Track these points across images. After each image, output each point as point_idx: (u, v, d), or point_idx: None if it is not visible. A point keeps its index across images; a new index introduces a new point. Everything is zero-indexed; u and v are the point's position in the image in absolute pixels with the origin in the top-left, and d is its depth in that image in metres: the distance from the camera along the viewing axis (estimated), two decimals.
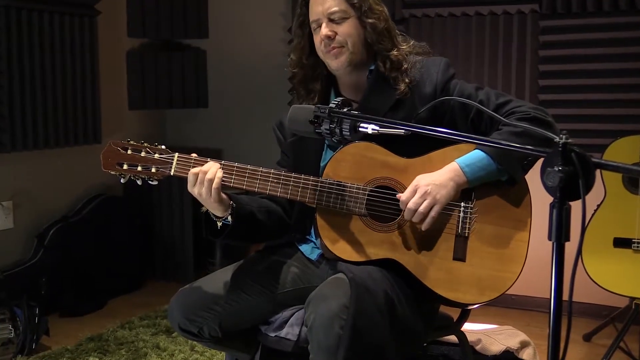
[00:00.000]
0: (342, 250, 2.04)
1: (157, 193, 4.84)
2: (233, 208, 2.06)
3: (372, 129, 1.82)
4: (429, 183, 1.97)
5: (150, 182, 2.08)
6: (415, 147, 2.03)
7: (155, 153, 2.07)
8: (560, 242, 1.34)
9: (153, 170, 2.07)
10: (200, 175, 1.99)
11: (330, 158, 2.08)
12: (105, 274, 4.44)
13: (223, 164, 2.03)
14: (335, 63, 2.12)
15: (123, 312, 4.18)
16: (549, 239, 1.35)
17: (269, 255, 2.28)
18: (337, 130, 1.85)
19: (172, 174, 2.06)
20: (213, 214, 2.07)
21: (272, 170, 2.06)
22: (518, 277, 2.02)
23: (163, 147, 2.09)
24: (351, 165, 2.06)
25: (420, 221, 1.99)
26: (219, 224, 2.09)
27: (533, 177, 1.86)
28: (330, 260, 2.14)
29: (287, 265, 2.25)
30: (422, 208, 1.96)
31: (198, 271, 4.69)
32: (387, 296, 1.90)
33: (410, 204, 1.97)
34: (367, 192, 2.04)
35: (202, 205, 2.07)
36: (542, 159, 1.36)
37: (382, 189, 2.05)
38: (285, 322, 2.17)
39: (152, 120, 5.09)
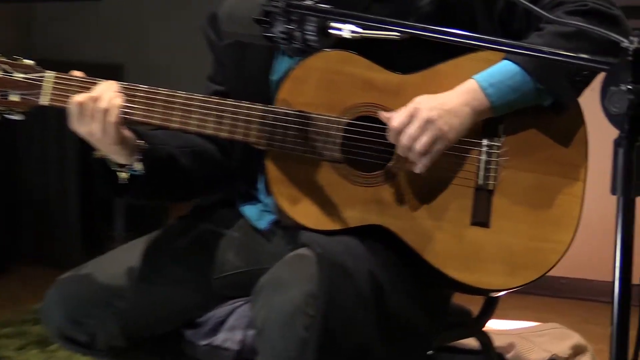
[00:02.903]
0: (306, 213, 2.05)
1: (25, 133, 4.80)
2: (142, 150, 2.06)
3: (351, 31, 1.81)
4: (433, 107, 1.96)
5: (10, 116, 2.06)
6: (414, 58, 2.04)
7: (17, 72, 2.05)
8: (628, 195, 1.35)
9: (15, 98, 2.05)
10: (89, 105, 1.98)
11: (287, 75, 2.08)
12: None
13: (123, 87, 2.02)
14: None
15: None
16: (612, 192, 1.37)
17: (198, 222, 2.30)
18: (298, 34, 1.83)
19: (45, 103, 2.04)
20: (112, 161, 2.07)
21: (197, 95, 2.05)
22: (567, 248, 2.05)
23: (31, 62, 2.07)
24: (318, 86, 2.06)
25: (417, 162, 1.97)
26: (123, 175, 2.08)
27: (589, 102, 1.88)
28: (288, 229, 2.16)
29: (226, 237, 2.27)
30: (419, 145, 1.94)
31: (89, 249, 4.69)
32: (374, 280, 1.92)
33: (405, 138, 1.95)
34: (342, 127, 2.05)
35: (95, 149, 2.07)
36: (603, 74, 1.38)
37: (365, 121, 2.05)
38: (222, 322, 2.19)
39: (12, 22, 5.03)
